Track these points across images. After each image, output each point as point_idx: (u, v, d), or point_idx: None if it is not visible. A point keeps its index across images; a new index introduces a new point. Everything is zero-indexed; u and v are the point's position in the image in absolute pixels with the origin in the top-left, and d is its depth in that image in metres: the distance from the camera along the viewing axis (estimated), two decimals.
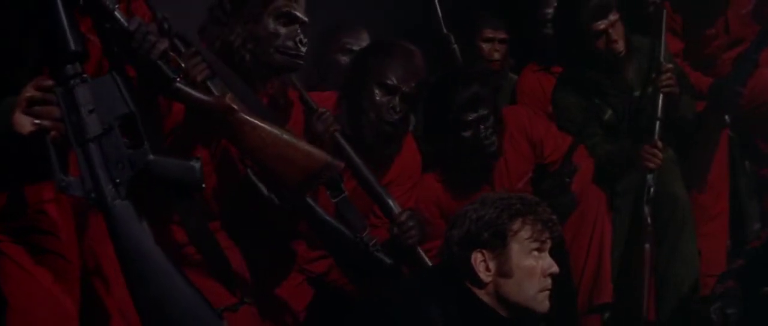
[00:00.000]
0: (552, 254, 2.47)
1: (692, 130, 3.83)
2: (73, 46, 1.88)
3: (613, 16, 3.59)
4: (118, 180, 1.90)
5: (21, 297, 2.21)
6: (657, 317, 3.59)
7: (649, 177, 3.53)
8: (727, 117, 3.90)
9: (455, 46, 3.85)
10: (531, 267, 2.40)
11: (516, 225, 2.40)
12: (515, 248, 2.40)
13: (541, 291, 2.41)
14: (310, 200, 2.72)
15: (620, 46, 3.61)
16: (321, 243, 2.97)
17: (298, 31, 2.80)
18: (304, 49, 2.81)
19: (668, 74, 3.60)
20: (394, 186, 3.24)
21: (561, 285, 3.42)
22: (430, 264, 2.96)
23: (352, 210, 2.84)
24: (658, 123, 3.56)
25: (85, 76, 1.90)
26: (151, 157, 1.92)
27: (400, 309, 2.40)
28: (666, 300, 3.57)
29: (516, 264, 2.40)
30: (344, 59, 3.75)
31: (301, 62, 2.85)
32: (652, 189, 3.53)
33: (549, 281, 2.42)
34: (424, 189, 3.34)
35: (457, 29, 3.93)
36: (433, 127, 3.36)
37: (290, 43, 2.79)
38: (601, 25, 3.57)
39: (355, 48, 3.72)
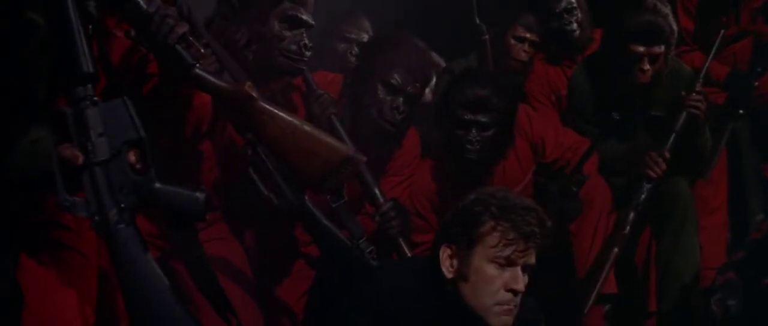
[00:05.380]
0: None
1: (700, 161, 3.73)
2: (85, 68, 1.86)
3: (656, 48, 3.45)
4: (122, 205, 1.88)
5: (37, 292, 2.20)
6: (658, 308, 3.60)
7: (646, 185, 3.44)
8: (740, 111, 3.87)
9: (487, 37, 3.70)
10: (490, 277, 2.26)
11: (485, 228, 2.28)
12: (479, 252, 2.28)
13: (498, 304, 2.26)
14: (308, 202, 2.67)
15: (645, 78, 3.47)
16: (317, 246, 2.91)
17: (303, 35, 2.79)
18: (308, 54, 2.80)
19: (700, 96, 3.46)
20: (391, 175, 3.24)
21: (563, 276, 3.47)
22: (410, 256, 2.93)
23: (351, 217, 2.79)
24: (673, 135, 3.45)
25: (95, 98, 1.88)
26: (157, 184, 1.91)
27: (379, 297, 2.37)
28: (667, 291, 3.54)
29: (475, 269, 2.28)
30: (342, 47, 3.75)
31: (304, 67, 2.84)
32: (643, 197, 3.43)
33: (510, 297, 2.26)
34: (418, 181, 3.32)
35: (490, 19, 3.77)
36: (438, 112, 3.30)
37: (294, 47, 2.79)
38: (640, 49, 3.44)
39: (353, 36, 3.73)
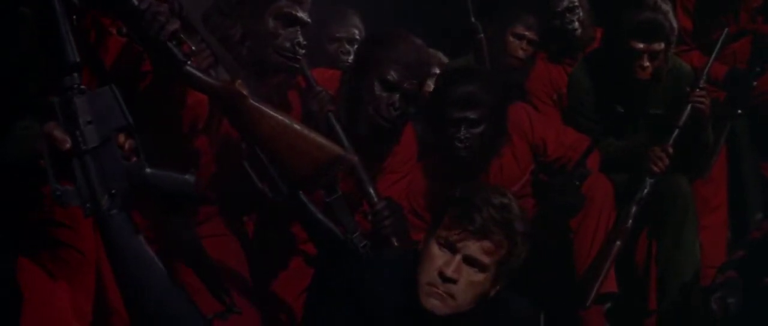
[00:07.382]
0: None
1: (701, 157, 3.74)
2: (71, 57, 1.86)
3: (656, 45, 3.46)
4: (114, 192, 1.88)
5: (35, 289, 2.21)
6: (658, 306, 3.59)
7: (649, 180, 3.44)
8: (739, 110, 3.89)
9: (482, 35, 3.71)
10: (431, 255, 2.30)
11: (445, 210, 2.34)
12: (434, 232, 2.34)
13: (429, 284, 2.28)
14: (303, 196, 2.67)
15: (645, 75, 3.48)
16: (311, 240, 2.92)
17: (298, 32, 2.79)
18: (302, 52, 2.79)
19: (704, 92, 3.46)
20: (389, 172, 3.23)
21: (563, 273, 3.46)
22: None
23: (346, 212, 2.78)
24: (677, 130, 3.45)
25: (83, 87, 1.87)
26: (148, 169, 1.91)
27: (364, 283, 2.41)
28: (667, 289, 3.53)
29: (425, 245, 2.34)
30: (333, 47, 3.78)
31: (298, 65, 2.84)
32: (646, 191, 3.43)
33: (439, 281, 2.27)
34: (415, 180, 3.32)
35: (489, 16, 3.79)
36: (429, 112, 3.30)
37: (288, 45, 2.78)
38: (640, 45, 3.45)
39: (343, 35, 3.76)
